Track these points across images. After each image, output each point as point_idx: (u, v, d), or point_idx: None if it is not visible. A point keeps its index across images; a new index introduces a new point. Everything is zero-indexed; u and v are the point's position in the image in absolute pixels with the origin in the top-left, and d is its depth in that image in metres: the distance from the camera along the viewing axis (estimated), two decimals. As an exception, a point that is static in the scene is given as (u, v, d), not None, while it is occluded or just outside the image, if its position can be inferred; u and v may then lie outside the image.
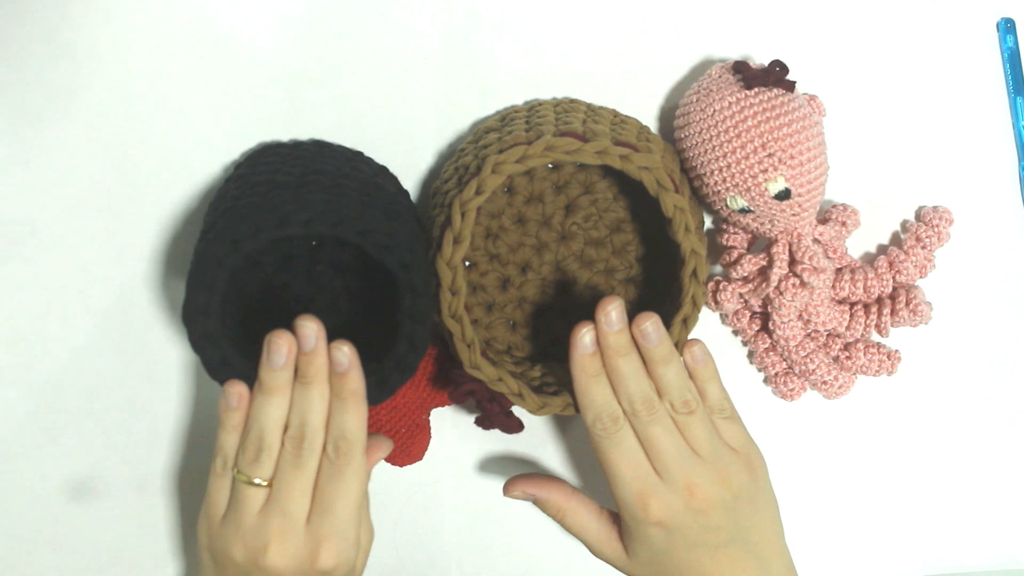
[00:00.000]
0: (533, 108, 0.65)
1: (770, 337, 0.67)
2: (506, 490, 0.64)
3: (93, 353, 0.68)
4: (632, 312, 0.68)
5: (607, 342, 0.59)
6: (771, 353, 0.68)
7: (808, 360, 0.66)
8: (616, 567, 0.63)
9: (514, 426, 0.64)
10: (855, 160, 0.68)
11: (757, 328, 0.68)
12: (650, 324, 0.59)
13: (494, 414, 0.63)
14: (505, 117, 0.65)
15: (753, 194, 0.62)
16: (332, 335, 0.57)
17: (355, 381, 0.57)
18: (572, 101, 0.66)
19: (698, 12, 0.68)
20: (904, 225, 0.69)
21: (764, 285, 0.64)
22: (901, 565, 0.71)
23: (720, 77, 0.64)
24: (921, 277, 0.67)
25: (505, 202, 0.67)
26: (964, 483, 0.70)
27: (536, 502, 0.64)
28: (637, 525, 0.60)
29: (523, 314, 0.68)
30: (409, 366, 0.59)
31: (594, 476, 0.70)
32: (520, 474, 0.65)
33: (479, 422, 0.64)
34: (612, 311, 0.59)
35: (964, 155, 0.69)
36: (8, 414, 0.68)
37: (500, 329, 0.68)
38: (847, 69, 0.68)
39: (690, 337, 0.63)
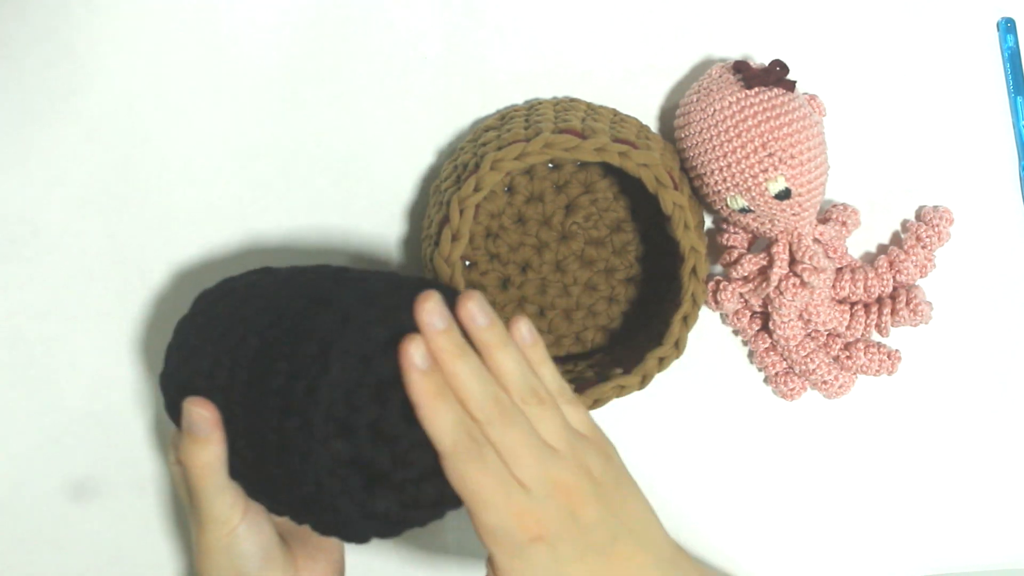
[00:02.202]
0: (533, 107, 0.65)
1: (770, 337, 0.67)
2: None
3: (93, 353, 0.68)
4: (633, 311, 0.69)
5: (438, 345, 0.50)
6: (771, 353, 0.68)
7: (808, 360, 0.66)
8: None
9: None
10: (855, 160, 0.68)
11: (757, 328, 0.68)
12: (474, 303, 0.52)
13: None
14: (505, 116, 0.65)
15: (753, 194, 0.62)
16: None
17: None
18: (572, 100, 0.66)
19: (698, 12, 0.68)
20: (904, 225, 0.69)
21: (764, 285, 0.64)
22: (901, 565, 0.71)
23: (720, 77, 0.64)
24: (921, 277, 0.67)
25: (505, 201, 0.67)
26: (964, 483, 0.70)
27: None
28: (516, 551, 0.51)
29: (523, 314, 0.68)
30: None
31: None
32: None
33: None
34: (430, 304, 0.50)
35: (964, 155, 0.69)
36: (8, 414, 0.68)
37: (500, 329, 0.68)
38: (847, 69, 0.68)
39: (689, 336, 0.63)
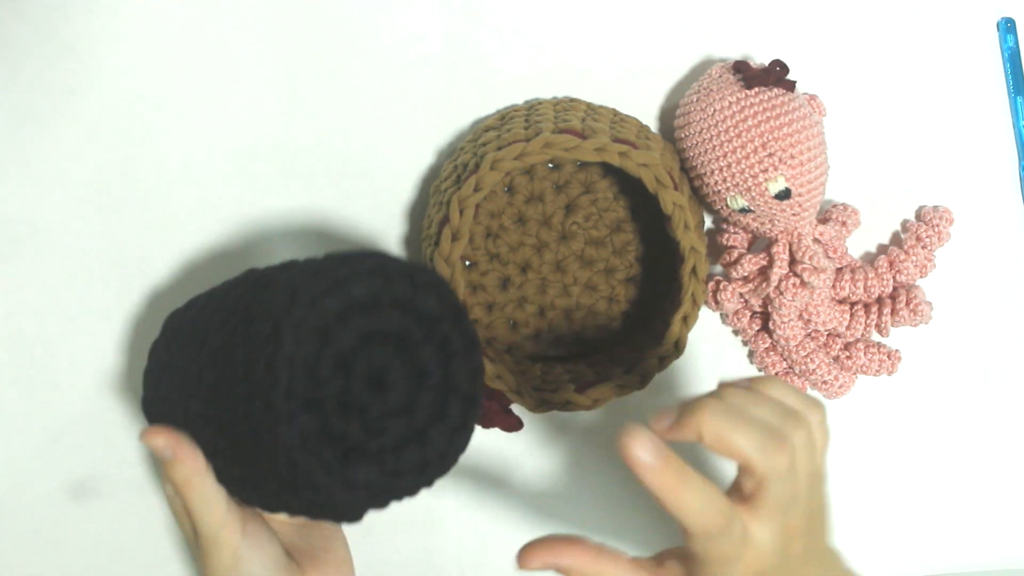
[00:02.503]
0: (533, 107, 0.65)
1: (770, 337, 0.67)
2: (522, 562, 0.53)
3: (93, 353, 0.68)
4: (633, 311, 0.69)
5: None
6: (771, 353, 0.68)
7: (808, 360, 0.66)
8: None
9: (514, 424, 0.64)
10: (855, 160, 0.68)
11: (757, 328, 0.68)
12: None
13: (494, 412, 0.63)
14: (505, 116, 0.65)
15: (753, 194, 0.62)
16: None
17: None
18: (572, 100, 0.66)
19: (698, 12, 0.68)
20: (904, 225, 0.69)
21: (764, 285, 0.64)
22: (901, 565, 0.71)
23: (720, 77, 0.64)
24: (921, 277, 0.67)
25: (505, 201, 0.67)
26: (964, 483, 0.70)
27: (559, 570, 0.54)
28: None
29: (523, 314, 0.68)
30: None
31: (595, 476, 0.70)
32: (535, 540, 0.53)
33: (479, 420, 0.64)
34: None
35: (964, 155, 0.69)
36: (8, 414, 0.68)
37: (500, 329, 0.68)
38: (847, 69, 0.68)
39: (689, 336, 0.63)
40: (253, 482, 0.55)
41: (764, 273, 0.65)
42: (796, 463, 0.51)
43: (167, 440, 0.56)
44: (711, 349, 0.69)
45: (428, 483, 0.54)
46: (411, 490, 0.53)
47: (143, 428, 0.58)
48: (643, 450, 0.48)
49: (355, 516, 0.54)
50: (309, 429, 0.50)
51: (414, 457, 0.52)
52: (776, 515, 0.51)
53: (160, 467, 0.61)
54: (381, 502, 0.53)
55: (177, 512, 0.59)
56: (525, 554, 0.53)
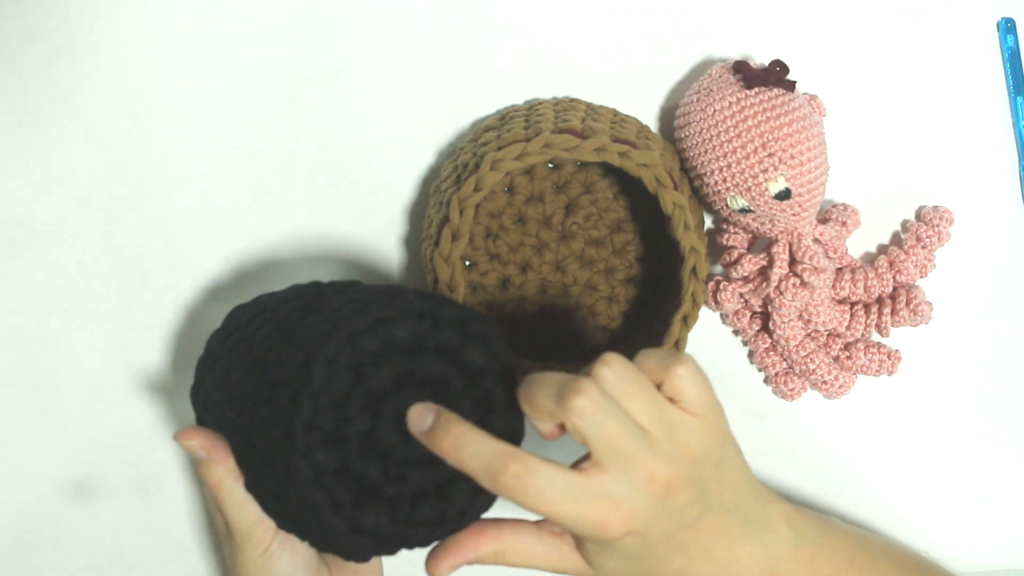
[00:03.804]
0: (533, 107, 0.65)
1: (770, 337, 0.67)
2: (432, 571, 0.54)
3: (93, 353, 0.68)
4: (633, 311, 0.69)
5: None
6: (771, 353, 0.68)
7: (808, 360, 0.66)
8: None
9: None
10: (855, 160, 0.68)
11: (757, 328, 0.68)
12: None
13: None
14: (505, 116, 0.65)
15: (753, 194, 0.62)
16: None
17: None
18: (572, 100, 0.66)
19: (698, 12, 0.68)
20: (904, 225, 0.69)
21: (764, 285, 0.64)
22: (901, 565, 0.71)
23: (720, 77, 0.64)
24: (921, 277, 0.67)
25: (505, 201, 0.67)
26: (964, 483, 0.70)
27: (474, 563, 0.55)
28: (607, 546, 0.52)
29: (523, 314, 0.68)
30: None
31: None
32: (435, 547, 0.53)
33: None
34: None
35: (964, 155, 0.69)
36: (8, 414, 0.68)
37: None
38: (847, 69, 0.68)
39: (689, 336, 0.63)
40: (269, 501, 0.54)
41: (764, 273, 0.65)
42: (607, 405, 0.49)
43: (201, 442, 0.56)
44: (711, 349, 0.69)
45: (442, 538, 0.52)
46: (423, 542, 0.52)
47: (179, 428, 0.58)
48: (419, 419, 0.50)
49: (361, 557, 0.52)
50: (326, 465, 0.49)
51: (431, 510, 0.51)
52: (615, 463, 0.50)
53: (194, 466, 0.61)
54: (390, 549, 0.52)
55: (212, 508, 0.59)
56: (432, 563, 0.53)
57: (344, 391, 0.49)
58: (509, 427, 0.53)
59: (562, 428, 0.51)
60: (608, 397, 0.50)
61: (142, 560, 0.70)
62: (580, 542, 0.53)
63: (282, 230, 0.68)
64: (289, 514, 0.53)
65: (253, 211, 0.68)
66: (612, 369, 0.51)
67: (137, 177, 0.67)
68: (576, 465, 0.51)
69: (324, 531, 0.50)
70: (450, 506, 0.51)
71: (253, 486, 0.55)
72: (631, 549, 0.52)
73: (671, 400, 0.52)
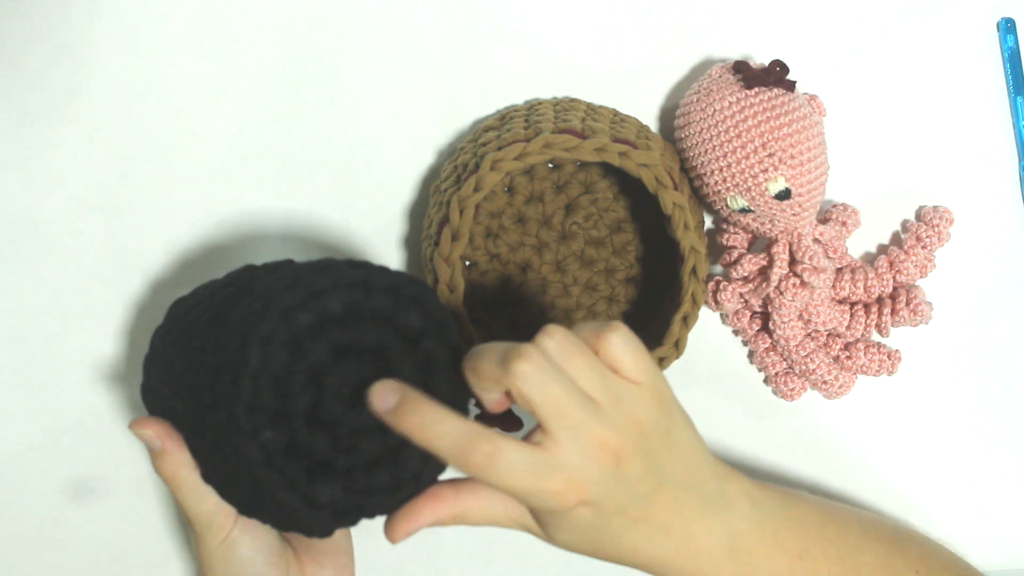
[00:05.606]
0: (533, 107, 0.66)
1: (770, 337, 0.67)
2: (391, 537, 0.53)
3: (93, 353, 0.68)
4: (633, 311, 0.69)
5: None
6: (771, 353, 0.68)
7: (808, 360, 0.66)
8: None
9: (513, 424, 0.64)
10: (855, 160, 0.68)
11: (757, 328, 0.68)
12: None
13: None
14: (505, 116, 0.65)
15: (753, 194, 0.62)
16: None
17: None
18: (572, 100, 0.66)
19: (698, 12, 0.68)
20: (904, 225, 0.69)
21: (764, 285, 0.64)
22: (901, 565, 0.71)
23: (720, 77, 0.64)
24: (921, 277, 0.67)
25: (505, 201, 0.67)
26: (964, 483, 0.70)
27: (434, 525, 0.55)
28: (560, 517, 0.52)
29: (523, 314, 0.68)
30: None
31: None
32: (394, 513, 0.53)
33: (478, 420, 0.64)
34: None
35: (964, 155, 0.69)
36: (8, 414, 0.68)
37: (500, 329, 0.68)
38: (847, 69, 0.68)
39: (689, 336, 0.63)
40: (226, 488, 0.54)
41: (764, 273, 0.65)
42: (551, 370, 0.49)
43: (155, 432, 0.55)
44: (711, 349, 0.69)
45: (401, 503, 0.52)
46: (383, 509, 0.52)
47: (134, 417, 0.58)
48: (381, 398, 0.49)
49: (322, 532, 0.52)
50: (274, 445, 0.49)
51: (386, 476, 0.51)
52: (564, 431, 0.49)
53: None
54: (350, 521, 0.51)
55: (173, 496, 0.59)
56: (389, 530, 0.53)
57: (283, 368, 0.49)
58: (454, 388, 0.53)
59: (508, 397, 0.51)
60: (552, 363, 0.50)
61: (142, 560, 0.70)
62: (536, 514, 0.53)
63: (282, 230, 0.68)
64: (247, 499, 0.53)
65: (253, 211, 0.68)
66: (554, 339, 0.50)
67: (137, 177, 0.67)
68: (528, 438, 0.50)
69: (282, 510, 0.50)
70: (404, 470, 0.51)
71: (209, 475, 0.55)
72: (585, 521, 0.52)
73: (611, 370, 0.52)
